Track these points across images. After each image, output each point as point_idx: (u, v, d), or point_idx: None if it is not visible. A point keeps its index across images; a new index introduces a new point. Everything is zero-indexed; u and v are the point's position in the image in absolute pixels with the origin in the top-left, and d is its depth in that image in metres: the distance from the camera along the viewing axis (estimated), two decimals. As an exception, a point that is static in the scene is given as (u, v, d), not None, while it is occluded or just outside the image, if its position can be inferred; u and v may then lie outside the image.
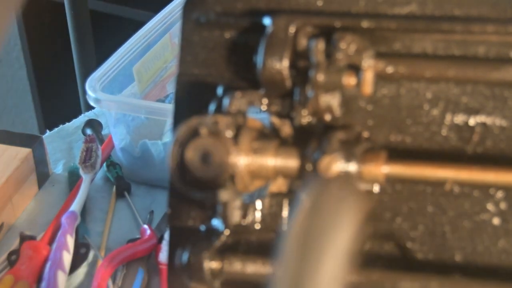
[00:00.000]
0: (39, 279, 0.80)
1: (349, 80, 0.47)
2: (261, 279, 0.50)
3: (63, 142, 1.06)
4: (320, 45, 0.48)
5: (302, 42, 0.49)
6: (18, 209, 0.91)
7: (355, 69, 0.48)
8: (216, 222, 0.51)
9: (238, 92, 0.50)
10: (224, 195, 0.48)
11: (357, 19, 0.49)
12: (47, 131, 1.09)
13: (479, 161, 0.47)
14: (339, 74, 0.47)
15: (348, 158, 0.47)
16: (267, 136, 0.49)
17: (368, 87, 0.47)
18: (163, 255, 0.81)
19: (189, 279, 0.50)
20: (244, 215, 0.51)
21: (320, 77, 0.47)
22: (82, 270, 0.83)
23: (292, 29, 0.49)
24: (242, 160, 0.47)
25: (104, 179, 0.97)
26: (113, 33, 1.46)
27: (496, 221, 0.48)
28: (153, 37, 1.01)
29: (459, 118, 0.49)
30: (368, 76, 0.47)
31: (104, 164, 0.97)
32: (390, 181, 0.49)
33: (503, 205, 0.48)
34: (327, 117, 0.49)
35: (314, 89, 0.48)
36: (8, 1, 0.38)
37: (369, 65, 0.47)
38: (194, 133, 0.48)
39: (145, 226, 0.86)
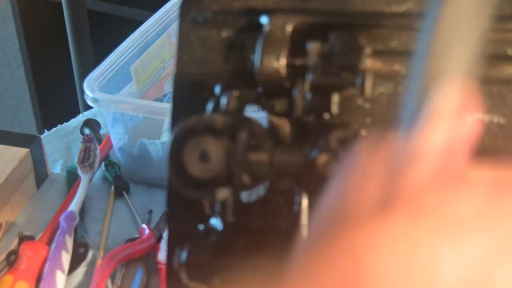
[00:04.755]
0: (38, 279, 0.80)
1: (347, 81, 0.47)
2: (259, 277, 0.50)
3: (61, 142, 1.05)
4: (316, 46, 0.48)
5: (300, 41, 0.49)
6: (17, 209, 0.91)
7: (353, 69, 0.47)
8: (215, 221, 0.51)
9: (236, 91, 0.50)
10: (222, 194, 0.48)
11: (354, 17, 0.49)
12: (45, 131, 1.08)
13: (477, 159, 0.47)
14: (337, 75, 0.47)
15: (346, 156, 0.46)
16: (265, 135, 0.49)
17: (367, 90, 0.47)
18: (162, 255, 0.81)
19: (188, 278, 0.50)
20: (242, 214, 0.51)
21: (318, 77, 0.47)
22: (81, 270, 0.83)
23: (289, 28, 0.49)
24: (240, 159, 0.47)
25: (103, 178, 0.97)
26: (110, 32, 1.46)
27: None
28: (150, 37, 1.01)
29: (457, 116, 0.49)
30: (368, 81, 0.47)
31: (103, 164, 0.97)
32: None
33: (501, 203, 0.48)
34: (325, 116, 0.49)
35: (312, 89, 0.48)
36: None
37: (367, 66, 0.47)
38: (192, 132, 0.48)
39: (144, 226, 0.86)
